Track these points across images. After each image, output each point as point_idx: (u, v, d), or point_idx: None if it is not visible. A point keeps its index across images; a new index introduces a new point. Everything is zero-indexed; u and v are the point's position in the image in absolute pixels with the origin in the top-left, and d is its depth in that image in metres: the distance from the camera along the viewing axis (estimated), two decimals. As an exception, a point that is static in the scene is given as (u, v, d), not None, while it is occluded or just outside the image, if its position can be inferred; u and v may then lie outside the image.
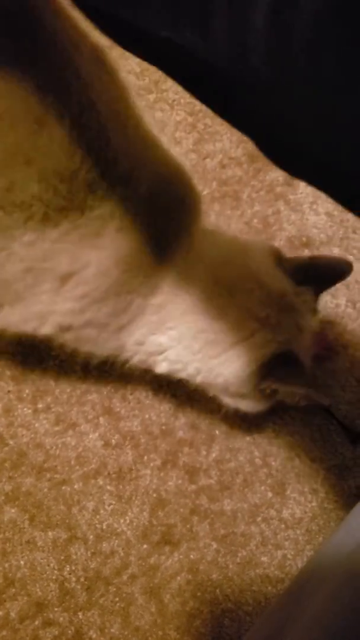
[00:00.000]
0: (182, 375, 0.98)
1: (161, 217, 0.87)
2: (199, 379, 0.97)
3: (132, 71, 1.37)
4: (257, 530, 1.11)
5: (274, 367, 0.92)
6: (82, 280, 0.85)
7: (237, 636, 1.06)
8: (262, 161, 1.29)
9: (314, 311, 1.00)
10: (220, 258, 0.94)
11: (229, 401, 1.01)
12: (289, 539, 1.10)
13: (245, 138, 1.38)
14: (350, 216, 1.26)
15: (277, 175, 1.28)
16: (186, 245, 0.91)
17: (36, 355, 1.16)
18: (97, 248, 0.83)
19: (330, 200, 1.33)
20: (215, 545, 1.10)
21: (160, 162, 0.93)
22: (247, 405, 1.00)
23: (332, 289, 1.21)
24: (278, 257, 0.98)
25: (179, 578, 1.09)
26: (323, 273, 0.99)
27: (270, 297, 0.93)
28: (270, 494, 1.12)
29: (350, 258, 1.23)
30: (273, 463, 1.13)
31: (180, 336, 0.93)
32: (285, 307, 0.94)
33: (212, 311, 0.92)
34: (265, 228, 1.23)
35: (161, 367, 0.98)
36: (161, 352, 0.96)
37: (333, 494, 1.12)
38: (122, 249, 0.84)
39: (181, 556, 1.10)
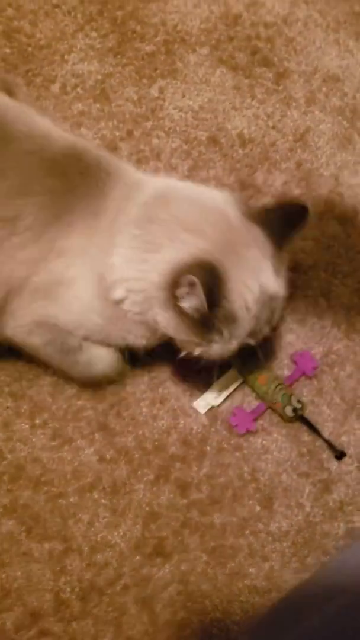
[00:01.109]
0: (134, 300, 1.02)
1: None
2: (140, 298, 1.01)
3: (130, 99, 1.43)
4: (245, 543, 1.15)
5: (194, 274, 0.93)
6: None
7: (226, 645, 1.11)
8: (253, 189, 1.35)
9: (273, 256, 1.01)
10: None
11: (160, 317, 1.01)
12: (275, 551, 1.15)
13: (237, 166, 1.45)
14: (336, 242, 1.32)
15: (267, 201, 1.34)
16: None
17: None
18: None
19: (317, 226, 1.41)
20: (205, 557, 1.14)
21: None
22: (170, 323, 1.01)
23: (319, 311, 1.27)
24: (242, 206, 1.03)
25: (170, 589, 1.13)
26: (281, 217, 1.03)
27: (202, 210, 1.00)
28: (258, 508, 1.16)
29: (336, 282, 1.29)
30: (261, 478, 1.18)
31: (123, 250, 1.00)
32: (217, 222, 0.99)
33: (145, 219, 1.00)
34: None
35: (117, 294, 1.02)
36: (114, 275, 1.01)
37: (318, 508, 1.17)
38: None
39: (172, 567, 1.14)
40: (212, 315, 0.96)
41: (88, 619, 1.10)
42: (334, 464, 1.19)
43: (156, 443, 1.19)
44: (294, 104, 1.43)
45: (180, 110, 1.42)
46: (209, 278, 0.93)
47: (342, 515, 1.16)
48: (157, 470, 1.18)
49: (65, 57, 1.46)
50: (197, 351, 1.02)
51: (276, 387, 1.18)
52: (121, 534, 1.15)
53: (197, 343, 1.01)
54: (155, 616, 1.11)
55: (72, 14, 1.50)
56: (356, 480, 1.18)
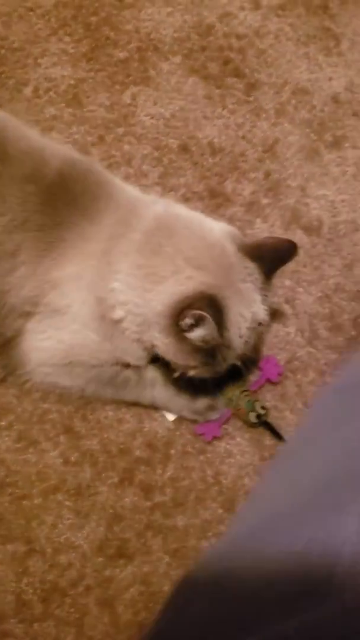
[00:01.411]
0: (132, 320, 1.06)
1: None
2: (139, 320, 1.05)
3: (103, 104, 1.44)
4: (207, 545, 1.17)
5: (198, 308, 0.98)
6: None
7: (186, 646, 1.12)
8: (222, 197, 1.38)
9: (262, 287, 1.08)
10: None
11: (158, 342, 1.06)
12: (236, 554, 1.17)
13: (206, 174, 1.47)
14: (301, 251, 1.34)
15: (235, 210, 1.37)
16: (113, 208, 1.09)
17: None
18: None
19: (283, 235, 1.43)
20: (167, 559, 1.16)
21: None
22: (170, 348, 1.05)
23: (284, 319, 1.30)
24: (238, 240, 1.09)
25: (132, 590, 1.14)
26: (271, 251, 1.10)
27: (204, 244, 1.05)
28: (220, 511, 1.19)
29: (300, 290, 1.33)
30: (224, 481, 1.20)
31: (124, 276, 1.05)
32: (219, 257, 1.04)
33: (149, 249, 1.04)
34: (223, 260, 1.31)
35: (117, 314, 1.07)
36: (115, 298, 1.06)
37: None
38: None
39: (135, 569, 1.15)
40: (215, 343, 1.02)
41: (50, 620, 1.11)
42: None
43: (121, 446, 1.21)
44: (263, 115, 1.46)
45: (152, 117, 1.44)
46: (215, 313, 0.99)
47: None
48: (122, 473, 1.20)
49: (39, 60, 1.47)
50: (191, 373, 1.07)
51: (241, 393, 1.21)
52: (84, 535, 1.17)
53: (192, 367, 1.06)
54: (117, 617, 1.13)
55: (46, 17, 1.51)
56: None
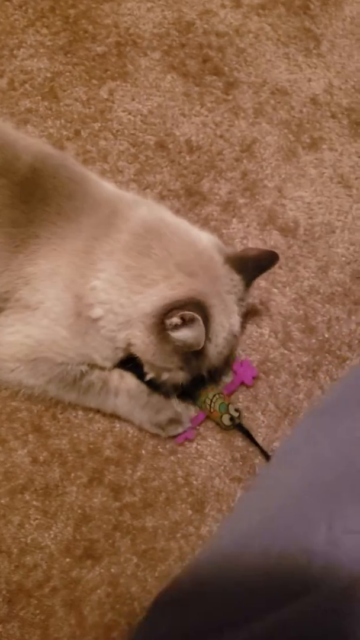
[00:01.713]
0: (111, 319, 1.06)
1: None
2: (120, 320, 1.06)
3: (79, 99, 1.42)
4: (176, 546, 1.16)
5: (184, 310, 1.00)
6: None
7: (152, 647, 1.11)
8: (199, 196, 1.37)
9: (241, 297, 1.12)
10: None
11: (138, 340, 1.06)
12: (205, 555, 1.17)
13: (183, 172, 1.46)
14: (277, 252, 1.34)
15: (211, 209, 1.36)
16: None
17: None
18: None
19: (259, 236, 1.44)
20: (135, 560, 1.15)
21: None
22: (150, 348, 1.06)
23: (258, 320, 1.29)
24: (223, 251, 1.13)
25: (99, 591, 1.13)
26: (254, 262, 1.13)
27: (194, 252, 1.07)
28: (190, 512, 1.18)
29: (275, 291, 1.32)
30: (194, 482, 1.20)
31: (109, 275, 1.05)
32: (207, 266, 1.07)
33: (136, 251, 1.05)
34: (198, 259, 1.30)
35: (96, 312, 1.07)
36: (95, 296, 1.06)
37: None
38: None
39: (102, 570, 1.14)
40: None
41: (14, 622, 1.09)
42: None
43: (91, 446, 1.19)
44: (242, 114, 1.45)
45: (129, 113, 1.42)
46: (204, 319, 1.00)
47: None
48: (91, 473, 1.18)
49: (15, 52, 1.44)
50: (164, 376, 1.09)
51: (214, 396, 1.20)
52: (52, 536, 1.15)
53: (167, 369, 1.07)
54: (83, 618, 1.11)
55: (23, 8, 1.49)
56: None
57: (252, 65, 1.50)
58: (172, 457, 1.20)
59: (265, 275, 1.33)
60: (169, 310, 1.00)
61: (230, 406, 1.20)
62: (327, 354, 1.29)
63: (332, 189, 1.41)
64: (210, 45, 1.50)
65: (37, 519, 1.15)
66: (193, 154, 1.40)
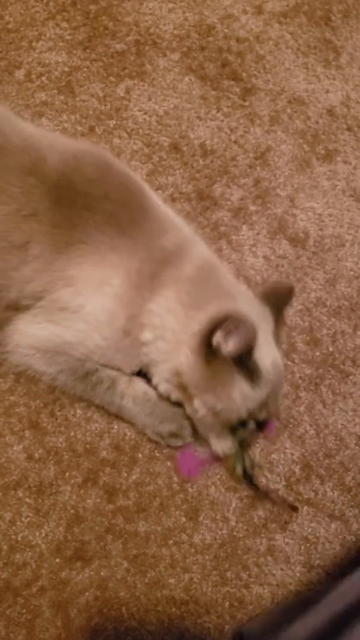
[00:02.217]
0: (160, 346, 1.06)
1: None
2: (168, 347, 1.05)
3: (95, 95, 1.41)
4: (168, 553, 1.15)
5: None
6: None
7: (138, 654, 1.10)
8: (210, 200, 1.36)
9: (275, 332, 1.13)
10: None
11: (185, 366, 1.05)
12: (197, 563, 1.15)
13: (196, 175, 1.45)
14: (285, 262, 1.34)
15: (222, 215, 1.35)
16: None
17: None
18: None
19: (268, 244, 1.43)
20: (126, 565, 1.13)
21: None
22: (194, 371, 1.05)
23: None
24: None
25: (87, 594, 1.11)
26: (275, 296, 1.14)
27: (236, 285, 1.12)
28: (184, 519, 1.17)
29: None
30: (190, 489, 1.18)
31: (168, 302, 1.05)
32: (249, 298, 1.11)
33: (197, 282, 1.07)
34: (206, 264, 1.28)
35: (145, 336, 1.07)
36: (149, 319, 1.06)
37: (243, 523, 1.18)
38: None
39: (92, 572, 1.13)
40: (245, 359, 1.01)
41: (0, 620, 1.08)
42: (262, 480, 1.20)
43: (87, 446, 1.18)
44: (258, 121, 1.44)
45: (145, 113, 1.41)
46: (251, 327, 0.99)
47: (265, 532, 1.18)
48: (86, 473, 1.17)
49: (33, 44, 1.43)
50: (210, 402, 1.05)
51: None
52: (43, 535, 1.13)
53: (214, 393, 1.04)
54: (70, 621, 1.10)
55: (44, 1, 1.47)
56: (282, 499, 1.20)
57: (270, 72, 1.49)
58: (168, 463, 1.19)
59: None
60: (213, 327, 1.00)
61: (247, 457, 1.15)
62: (330, 368, 1.28)
63: (344, 202, 1.40)
64: (230, 50, 1.49)
65: (29, 516, 1.14)
66: (207, 158, 1.39)
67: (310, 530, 1.19)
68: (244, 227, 1.35)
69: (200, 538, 1.16)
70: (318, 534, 1.19)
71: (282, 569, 1.17)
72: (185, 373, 1.05)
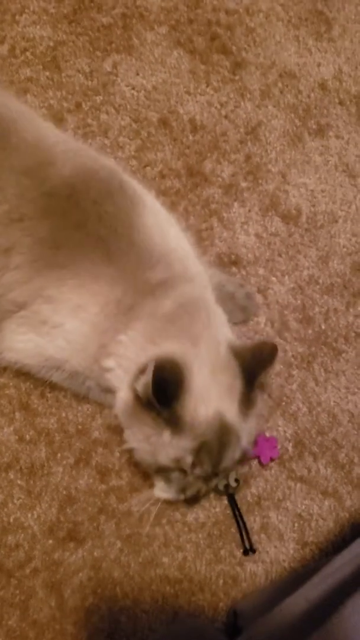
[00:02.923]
0: (118, 374, 1.03)
1: None
2: (127, 374, 1.01)
3: (82, 70, 1.38)
4: (161, 532, 1.15)
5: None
6: None
7: (133, 633, 1.10)
8: (200, 177, 1.33)
9: (248, 395, 1.03)
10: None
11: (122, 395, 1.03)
12: (190, 542, 1.15)
13: (186, 151, 1.42)
14: (277, 239, 1.32)
15: (213, 192, 1.33)
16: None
17: None
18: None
19: (260, 222, 1.40)
20: (119, 544, 1.13)
21: None
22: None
23: (255, 308, 1.26)
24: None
25: (80, 574, 1.11)
26: (254, 357, 1.03)
27: (209, 331, 1.03)
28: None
29: (273, 279, 1.30)
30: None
31: (136, 334, 1.01)
32: (216, 352, 1.02)
33: (168, 319, 1.02)
34: (197, 242, 1.26)
35: (107, 363, 1.03)
36: (116, 349, 1.02)
37: (237, 501, 1.17)
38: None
39: (85, 553, 1.12)
40: (159, 406, 0.95)
41: (-7, 602, 1.08)
42: (254, 460, 1.20)
43: (79, 427, 1.17)
44: (248, 95, 1.41)
45: (133, 88, 1.38)
46: (170, 374, 0.94)
47: (258, 510, 1.18)
48: (78, 454, 1.16)
49: (17, 17, 1.39)
50: (133, 444, 1.02)
51: None
52: (35, 516, 1.13)
53: (131, 429, 1.01)
54: (64, 601, 1.10)
55: (29, -27, 1.43)
56: (274, 477, 1.20)
57: (260, 46, 1.46)
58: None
59: (264, 263, 1.31)
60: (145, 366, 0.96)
61: (232, 473, 1.14)
62: (323, 346, 1.28)
63: (336, 178, 1.38)
64: (219, 22, 1.46)
65: (20, 498, 1.13)
66: (196, 134, 1.37)
67: (303, 507, 1.19)
68: (235, 204, 1.33)
69: (194, 517, 1.16)
70: (311, 511, 1.19)
71: (275, 547, 1.17)
72: (120, 404, 1.02)
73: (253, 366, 1.02)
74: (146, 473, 1.12)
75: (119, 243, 1.02)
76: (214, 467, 1.00)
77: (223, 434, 0.99)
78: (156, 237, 1.06)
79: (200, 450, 0.97)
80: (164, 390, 0.93)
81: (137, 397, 0.97)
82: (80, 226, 1.01)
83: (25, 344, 1.06)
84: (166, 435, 0.97)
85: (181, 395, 0.96)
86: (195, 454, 0.97)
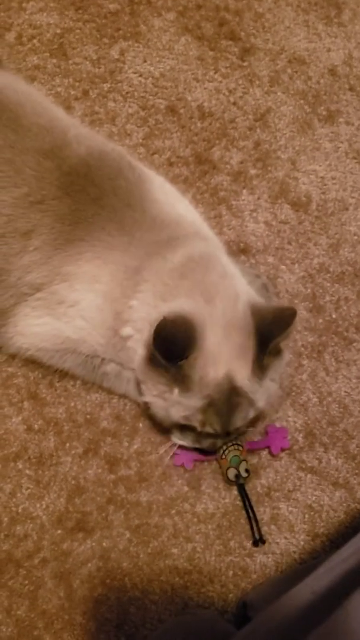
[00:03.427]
0: (138, 338, 1.01)
1: None
2: (145, 337, 1.00)
3: (89, 58, 1.37)
4: (170, 523, 1.14)
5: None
6: None
7: (142, 623, 1.09)
8: (209, 164, 1.32)
9: (260, 357, 1.00)
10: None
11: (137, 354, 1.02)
12: (199, 533, 1.14)
13: (194, 139, 1.41)
14: (287, 227, 1.30)
15: (221, 179, 1.31)
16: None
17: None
18: None
19: (269, 209, 1.39)
20: (128, 535, 1.12)
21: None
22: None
23: (272, 300, 1.25)
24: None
25: (89, 565, 1.11)
26: (272, 321, 1.00)
27: (226, 288, 1.01)
28: (186, 488, 1.15)
29: (283, 268, 1.28)
30: (192, 459, 1.17)
31: (146, 295, 1.00)
32: (231, 306, 1.00)
33: (179, 273, 1.01)
34: (205, 230, 1.25)
35: (126, 331, 1.03)
36: (130, 315, 1.01)
37: (247, 492, 1.16)
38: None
39: (94, 543, 1.12)
40: (165, 363, 0.95)
41: (2, 591, 1.07)
42: (265, 450, 1.18)
43: (88, 416, 1.16)
44: (257, 82, 1.39)
45: (140, 75, 1.37)
46: (179, 332, 0.93)
47: (268, 501, 1.17)
48: (87, 443, 1.15)
49: (23, 5, 1.38)
50: (147, 398, 1.02)
51: (232, 445, 1.13)
52: (44, 506, 1.12)
53: (146, 385, 1.01)
54: (72, 591, 1.09)
55: None
56: (285, 468, 1.18)
57: (269, 31, 1.44)
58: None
59: (273, 251, 1.30)
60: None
61: (242, 463, 1.13)
62: (333, 335, 1.26)
63: (347, 164, 1.36)
64: (228, 8, 1.44)
65: (29, 488, 1.13)
66: (204, 121, 1.35)
67: (314, 498, 1.18)
68: (244, 191, 1.31)
69: (203, 507, 1.15)
70: (322, 502, 1.18)
71: (286, 538, 1.16)
72: (139, 359, 1.02)
73: (270, 328, 0.98)
74: (162, 428, 1.12)
75: (132, 213, 1.03)
76: (223, 428, 1.01)
77: (232, 395, 0.98)
78: (166, 206, 1.08)
79: (207, 410, 0.98)
80: (172, 347, 0.93)
81: (149, 354, 0.98)
82: (97, 200, 1.03)
83: (41, 327, 1.05)
84: (175, 392, 0.98)
85: (190, 353, 0.95)
86: (203, 412, 0.98)
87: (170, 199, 1.11)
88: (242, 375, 0.99)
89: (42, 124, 1.06)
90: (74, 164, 1.04)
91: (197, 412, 0.99)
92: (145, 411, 1.10)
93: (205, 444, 1.07)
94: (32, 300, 1.05)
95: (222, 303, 0.99)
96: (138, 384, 1.06)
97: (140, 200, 1.05)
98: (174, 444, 1.10)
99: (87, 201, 1.02)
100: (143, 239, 1.03)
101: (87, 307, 1.03)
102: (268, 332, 0.99)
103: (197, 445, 1.07)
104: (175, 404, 0.99)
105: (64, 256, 1.02)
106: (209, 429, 1.01)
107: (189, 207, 1.15)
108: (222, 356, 0.98)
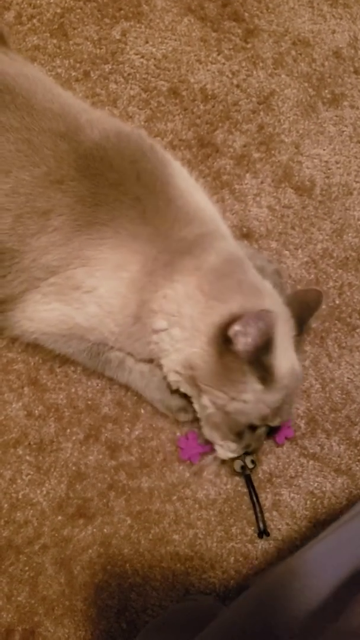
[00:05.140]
0: (176, 333, 1.00)
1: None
2: (187, 334, 0.99)
3: (90, 38, 1.34)
4: (172, 509, 1.13)
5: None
6: None
7: (143, 609, 1.09)
8: (212, 147, 1.30)
9: (296, 340, 1.05)
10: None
11: (199, 354, 1.00)
12: (201, 519, 1.13)
13: (197, 121, 1.38)
14: (290, 212, 1.29)
15: (224, 163, 1.29)
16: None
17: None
18: None
19: (273, 193, 1.37)
20: (129, 521, 1.12)
21: None
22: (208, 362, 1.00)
23: (284, 286, 1.23)
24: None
25: (90, 551, 1.10)
26: (301, 303, 1.09)
27: (264, 285, 1.05)
28: (187, 474, 1.14)
29: (286, 253, 1.27)
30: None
31: (186, 288, 1.00)
32: (276, 300, 1.04)
33: (219, 273, 1.01)
34: (208, 214, 1.23)
35: (159, 324, 1.01)
36: (162, 305, 1.00)
37: (253, 482, 1.15)
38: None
39: (95, 530, 1.11)
40: (260, 357, 0.95)
41: (2, 577, 1.07)
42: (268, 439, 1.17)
43: (89, 402, 1.15)
44: (261, 64, 1.37)
45: (142, 56, 1.34)
46: (269, 327, 0.93)
47: (270, 487, 1.16)
48: (88, 429, 1.14)
49: (23, -17, 1.35)
50: (220, 401, 0.99)
51: None
52: (44, 492, 1.12)
53: (224, 391, 0.98)
54: (73, 578, 1.09)
55: None
56: (287, 454, 1.18)
57: (274, 12, 1.41)
58: (177, 432, 1.16)
59: (276, 236, 1.28)
60: (232, 321, 0.94)
61: (249, 455, 1.11)
62: (337, 321, 1.25)
63: (351, 149, 1.34)
64: (231, -12, 1.41)
65: (29, 474, 1.12)
66: (207, 103, 1.33)
67: (316, 485, 1.17)
68: (248, 175, 1.29)
69: (205, 493, 1.14)
70: (324, 489, 1.17)
71: (287, 524, 1.15)
72: (197, 366, 0.99)
73: (302, 312, 1.08)
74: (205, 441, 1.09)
75: (156, 201, 1.02)
76: (282, 419, 1.03)
77: (298, 384, 1.05)
78: (188, 196, 1.07)
79: (282, 403, 1.00)
80: (270, 341, 0.94)
81: (221, 354, 0.96)
82: (117, 185, 1.01)
83: (50, 312, 1.04)
84: (259, 390, 0.97)
85: (273, 348, 0.96)
86: (279, 406, 1.00)
87: (190, 186, 1.10)
88: (297, 361, 1.04)
89: (55, 110, 1.04)
90: (89, 147, 1.02)
91: (273, 406, 0.99)
92: (196, 427, 1.09)
93: (256, 443, 1.05)
94: (45, 285, 1.02)
95: (269, 298, 1.03)
96: (192, 395, 1.04)
97: (166, 185, 1.04)
98: (214, 457, 1.08)
99: (106, 185, 1.01)
100: (170, 232, 1.01)
101: (105, 294, 1.01)
102: (303, 315, 1.08)
103: (247, 450, 1.05)
104: (256, 403, 0.98)
105: (84, 239, 1.00)
106: (276, 423, 1.02)
107: (205, 197, 1.13)
108: (287, 347, 1.02)
